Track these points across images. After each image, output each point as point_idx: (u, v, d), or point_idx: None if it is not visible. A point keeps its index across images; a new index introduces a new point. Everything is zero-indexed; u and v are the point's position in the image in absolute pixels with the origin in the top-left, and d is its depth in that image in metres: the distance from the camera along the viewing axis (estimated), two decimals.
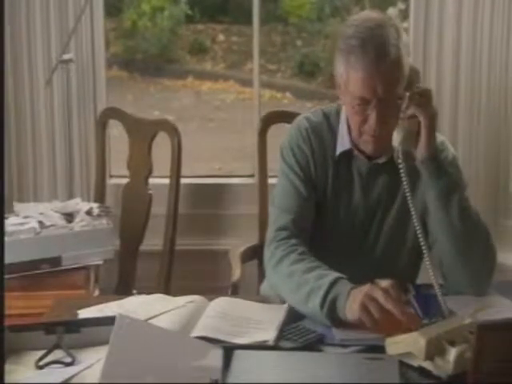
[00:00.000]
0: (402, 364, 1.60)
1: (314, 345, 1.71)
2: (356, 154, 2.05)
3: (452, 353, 1.54)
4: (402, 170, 1.87)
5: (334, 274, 1.83)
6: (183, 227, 3.09)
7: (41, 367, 1.60)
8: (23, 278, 2.51)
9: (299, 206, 2.04)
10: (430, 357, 1.56)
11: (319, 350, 1.69)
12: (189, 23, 5.59)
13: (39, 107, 3.22)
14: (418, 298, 1.91)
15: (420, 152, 1.92)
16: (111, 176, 3.36)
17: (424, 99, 1.89)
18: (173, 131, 2.95)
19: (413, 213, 1.87)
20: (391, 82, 1.89)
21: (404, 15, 3.50)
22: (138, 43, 5.55)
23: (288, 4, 5.32)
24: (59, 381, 1.53)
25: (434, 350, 1.56)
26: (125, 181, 3.10)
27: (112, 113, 3.15)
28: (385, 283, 1.74)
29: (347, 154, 2.06)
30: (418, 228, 1.87)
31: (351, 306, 1.73)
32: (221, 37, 5.88)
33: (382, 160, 2.04)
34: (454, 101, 3.21)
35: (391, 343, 1.64)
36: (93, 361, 1.60)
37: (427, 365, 1.58)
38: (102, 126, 3.15)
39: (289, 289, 1.88)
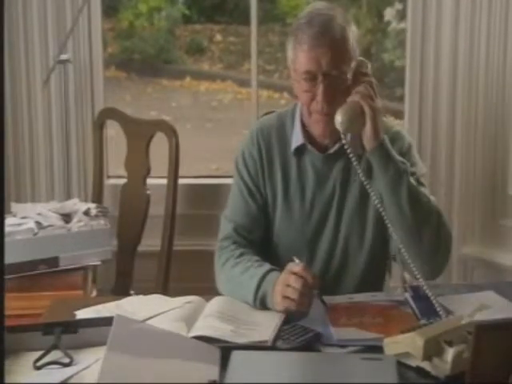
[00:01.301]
0: (400, 364, 1.60)
1: (312, 345, 1.71)
2: (309, 148, 2.07)
3: (450, 353, 1.54)
4: (350, 154, 1.88)
5: (261, 272, 1.92)
6: (181, 227, 3.09)
7: (39, 368, 1.60)
8: (21, 278, 2.50)
9: (243, 214, 2.10)
10: (427, 357, 1.56)
11: (317, 350, 1.69)
12: (186, 23, 5.59)
13: (37, 107, 3.22)
14: (416, 299, 1.91)
15: (367, 143, 1.92)
16: (109, 176, 3.36)
17: (370, 90, 1.91)
18: (170, 131, 2.96)
19: (373, 196, 1.89)
20: (336, 57, 1.92)
21: (401, 15, 3.51)
22: (135, 44, 5.55)
23: (285, 4, 5.32)
24: (57, 381, 1.53)
25: (432, 350, 1.56)
26: (123, 181, 3.10)
27: (110, 113, 3.15)
28: (296, 268, 1.84)
29: (301, 150, 2.08)
30: (381, 210, 1.88)
31: (276, 299, 1.85)
32: (218, 37, 5.88)
33: (333, 149, 2.05)
34: (451, 101, 3.21)
35: (389, 343, 1.64)
36: (91, 361, 1.60)
37: (425, 365, 1.58)
38: (99, 126, 3.15)
39: (230, 292, 1.98)
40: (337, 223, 2.08)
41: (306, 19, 1.96)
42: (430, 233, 1.93)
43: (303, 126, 2.08)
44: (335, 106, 1.91)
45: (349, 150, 1.88)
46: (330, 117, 1.93)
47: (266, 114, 2.72)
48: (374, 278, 2.10)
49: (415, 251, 1.90)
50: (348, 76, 1.94)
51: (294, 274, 1.83)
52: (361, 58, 1.99)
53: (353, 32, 1.98)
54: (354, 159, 1.88)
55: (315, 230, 2.09)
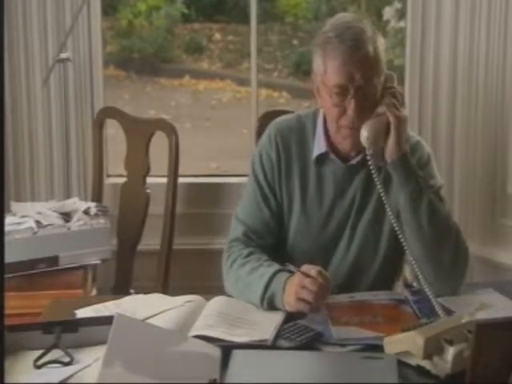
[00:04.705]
0: (401, 363, 1.60)
1: (312, 344, 1.71)
2: (332, 157, 2.04)
3: (450, 352, 1.54)
4: (372, 169, 1.90)
5: (270, 272, 1.90)
6: (181, 226, 3.08)
7: (39, 367, 1.59)
8: (21, 277, 2.51)
9: (254, 219, 2.07)
10: (428, 356, 1.56)
11: (318, 349, 1.69)
12: (185, 22, 5.60)
13: (36, 106, 3.21)
14: (416, 298, 1.91)
15: (389, 154, 1.92)
16: (109, 175, 3.35)
17: (395, 100, 1.92)
18: (170, 130, 2.95)
19: (389, 212, 1.90)
20: (368, 70, 1.90)
21: (400, 14, 3.51)
22: (134, 42, 5.55)
23: (284, 3, 5.32)
24: (57, 380, 1.53)
25: (433, 348, 1.56)
26: (122, 180, 3.10)
27: (109, 112, 3.15)
28: (312, 270, 1.81)
29: (322, 158, 2.05)
30: (395, 225, 1.89)
31: (288, 300, 1.82)
32: (217, 36, 5.88)
33: (356, 161, 2.03)
34: (451, 100, 3.21)
35: (389, 342, 1.64)
36: (91, 360, 1.60)
37: (425, 364, 1.58)
38: (99, 125, 3.14)
39: (237, 292, 1.96)
40: (352, 234, 2.06)
41: (335, 32, 1.91)
42: (449, 249, 1.93)
43: (326, 133, 2.04)
44: (364, 120, 1.91)
45: (371, 166, 1.89)
46: (358, 131, 1.92)
47: (267, 113, 2.74)
48: (383, 287, 2.06)
49: (433, 267, 1.91)
50: (378, 89, 1.92)
51: (310, 276, 1.80)
52: (388, 72, 1.97)
53: (381, 43, 1.95)
54: (375, 174, 1.89)
55: (331, 239, 2.06)
